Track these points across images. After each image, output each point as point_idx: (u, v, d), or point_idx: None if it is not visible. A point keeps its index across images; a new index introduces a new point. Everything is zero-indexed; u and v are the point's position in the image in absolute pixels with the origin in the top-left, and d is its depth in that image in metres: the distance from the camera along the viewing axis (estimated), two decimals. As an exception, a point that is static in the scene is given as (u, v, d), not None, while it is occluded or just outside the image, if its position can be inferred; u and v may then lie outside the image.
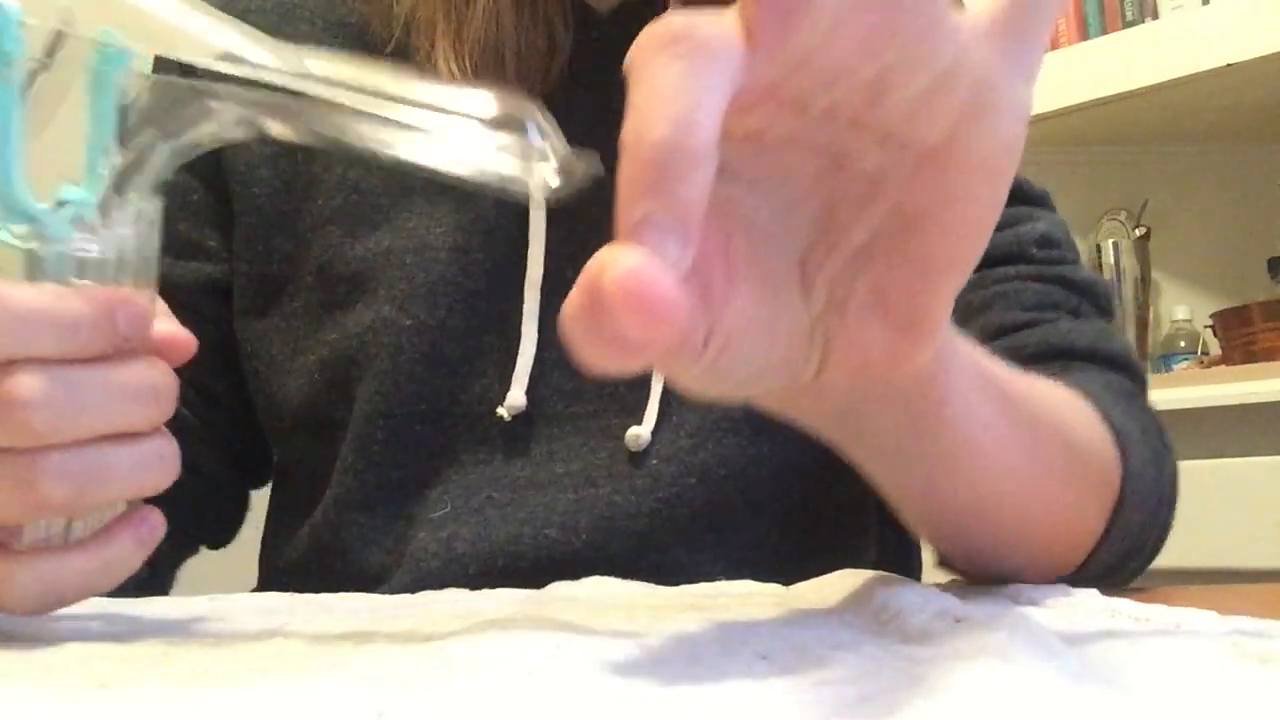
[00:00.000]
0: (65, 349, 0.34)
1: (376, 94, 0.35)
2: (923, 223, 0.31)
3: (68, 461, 0.34)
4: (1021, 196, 0.65)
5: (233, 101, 0.37)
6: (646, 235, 0.25)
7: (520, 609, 0.40)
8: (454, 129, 0.35)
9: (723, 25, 0.27)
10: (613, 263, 0.24)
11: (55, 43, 0.36)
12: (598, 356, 0.26)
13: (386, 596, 0.48)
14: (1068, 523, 0.48)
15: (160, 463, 0.37)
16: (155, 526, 0.38)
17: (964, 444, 0.40)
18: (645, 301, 0.24)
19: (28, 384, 0.33)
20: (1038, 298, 0.61)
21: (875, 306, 0.32)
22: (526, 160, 0.35)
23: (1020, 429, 0.43)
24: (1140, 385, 0.61)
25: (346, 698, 0.24)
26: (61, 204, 0.36)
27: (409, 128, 0.35)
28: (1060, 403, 0.49)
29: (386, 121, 0.35)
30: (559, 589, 0.48)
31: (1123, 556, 0.52)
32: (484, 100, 0.35)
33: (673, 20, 0.27)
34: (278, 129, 0.37)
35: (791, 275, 0.33)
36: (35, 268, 0.35)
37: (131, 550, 0.37)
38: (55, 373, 0.34)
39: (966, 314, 0.61)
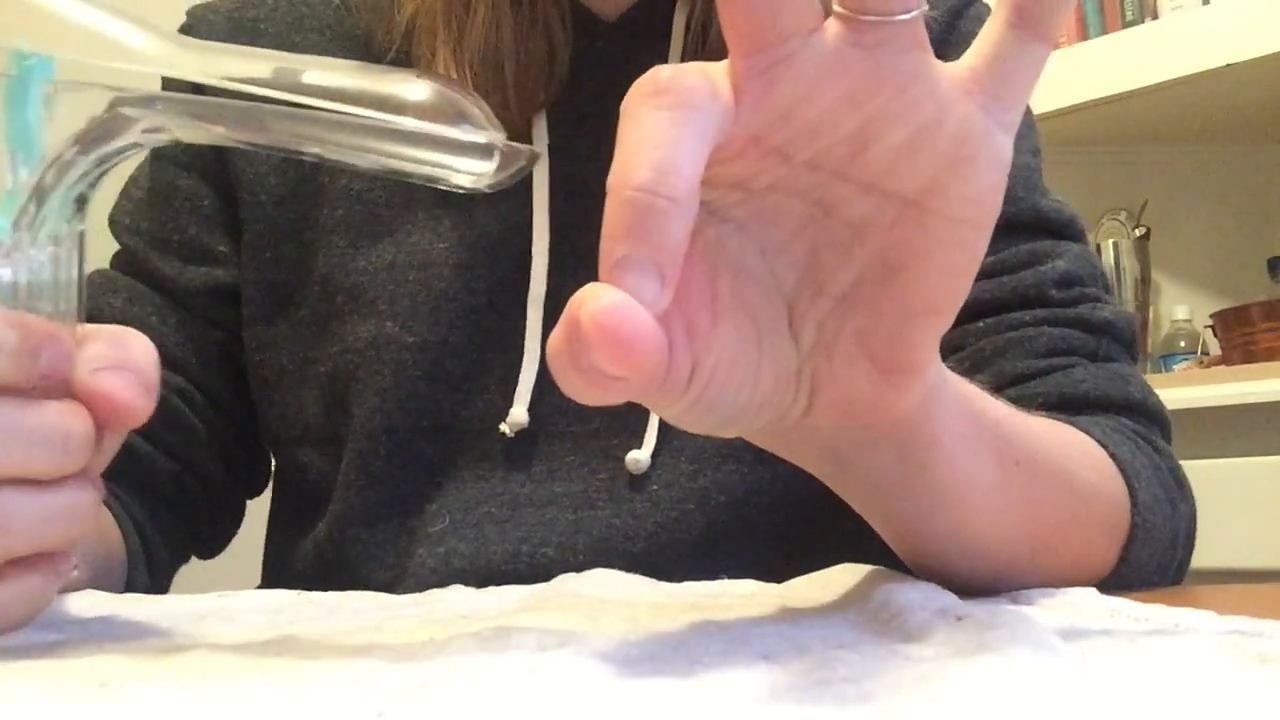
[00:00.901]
0: None
1: (305, 90, 0.33)
2: (905, 270, 0.32)
3: None
4: (1046, 227, 0.64)
5: (150, 109, 0.34)
6: (625, 276, 0.27)
7: (523, 607, 0.40)
8: (386, 119, 0.33)
9: (708, 77, 0.29)
10: (590, 299, 0.26)
11: None
12: (578, 389, 0.28)
13: (391, 596, 0.48)
14: (1070, 562, 0.47)
15: (69, 516, 0.32)
16: (68, 559, 0.34)
17: (954, 484, 0.40)
18: (618, 337, 0.26)
19: None
20: (1053, 343, 0.60)
21: (860, 350, 0.33)
22: (459, 152, 0.33)
23: (1016, 470, 0.43)
24: (1160, 427, 0.60)
25: (347, 698, 0.24)
26: None
27: (338, 123, 0.33)
28: (1064, 443, 0.48)
29: (314, 119, 0.33)
30: (564, 583, 0.48)
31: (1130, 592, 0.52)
32: (417, 88, 0.34)
33: (660, 72, 0.28)
34: (195, 134, 0.34)
35: (779, 317, 0.33)
36: None
37: (45, 585, 0.33)
38: None
39: (980, 361, 0.60)
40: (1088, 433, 0.52)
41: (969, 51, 0.31)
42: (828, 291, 0.33)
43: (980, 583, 0.44)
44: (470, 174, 0.33)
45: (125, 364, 0.33)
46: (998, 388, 0.59)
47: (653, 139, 0.27)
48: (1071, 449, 0.49)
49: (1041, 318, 0.61)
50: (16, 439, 0.31)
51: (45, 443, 0.31)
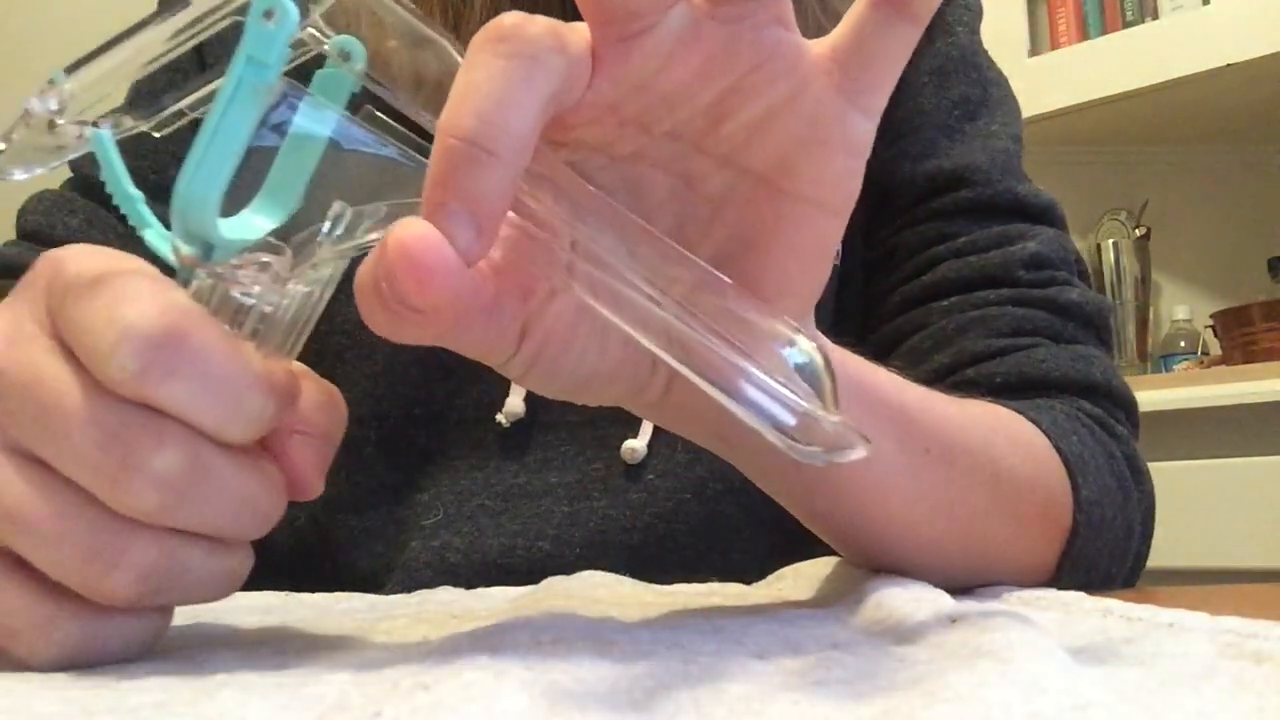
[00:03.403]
0: (222, 428, 0.29)
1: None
2: (757, 248, 0.32)
3: (157, 561, 0.28)
4: (1021, 211, 0.63)
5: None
6: (441, 222, 0.27)
7: (514, 608, 0.40)
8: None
9: (554, 30, 0.28)
10: (401, 228, 0.26)
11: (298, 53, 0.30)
12: (379, 318, 0.27)
13: (383, 596, 0.48)
14: (1001, 555, 0.47)
15: (224, 582, 0.31)
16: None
17: (840, 470, 0.39)
18: (420, 266, 0.26)
19: (169, 461, 0.28)
20: (1016, 323, 0.59)
21: None
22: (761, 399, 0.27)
23: (927, 457, 0.42)
24: (1124, 410, 0.59)
25: (345, 697, 0.24)
26: (258, 245, 0.30)
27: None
28: (990, 431, 0.47)
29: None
30: (553, 585, 0.48)
31: (1086, 586, 0.51)
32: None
33: (505, 18, 0.27)
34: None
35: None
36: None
37: (166, 624, 0.31)
38: (196, 451, 0.28)
39: (942, 339, 0.60)
40: (1036, 422, 0.51)
41: (836, 29, 0.31)
42: (683, 279, 0.32)
43: (910, 571, 0.43)
44: (762, 426, 0.28)
45: (321, 433, 0.32)
46: (958, 366, 0.58)
47: (483, 87, 0.27)
48: (1000, 439, 0.47)
49: (1007, 297, 0.60)
50: (227, 502, 0.29)
51: (252, 511, 0.30)
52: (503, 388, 0.61)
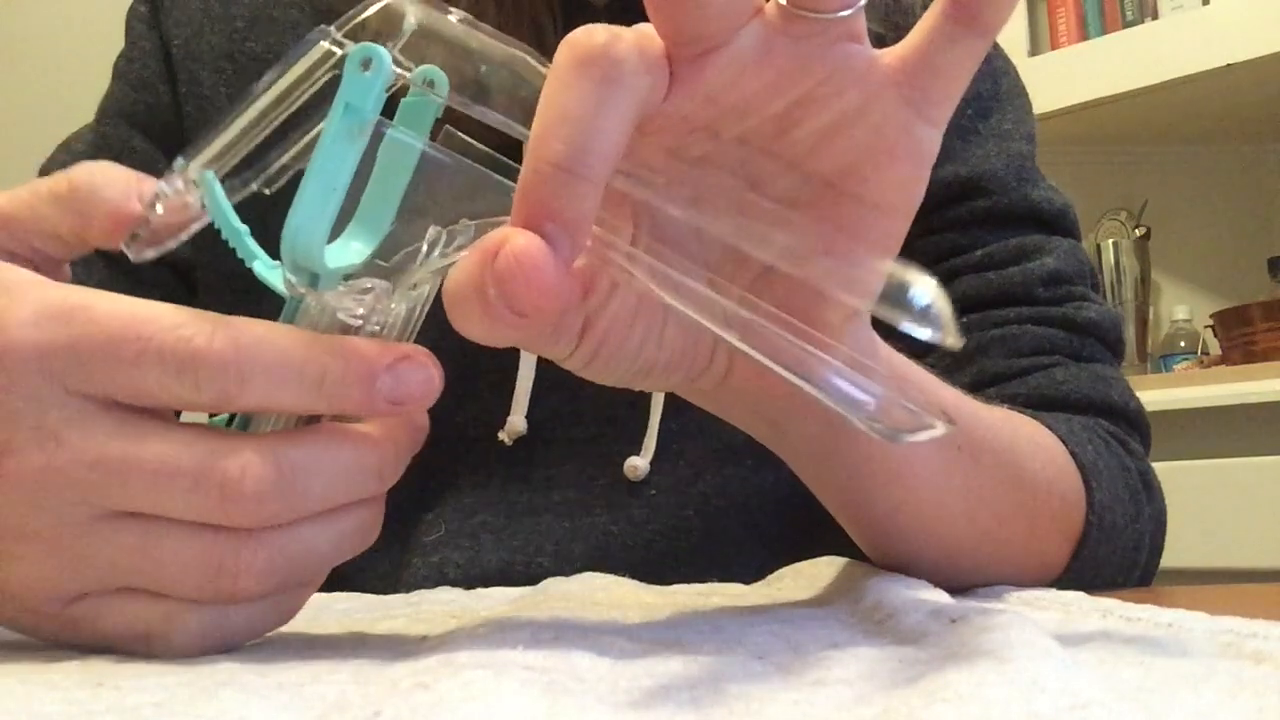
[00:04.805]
0: (307, 405, 0.30)
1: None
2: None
3: (274, 556, 0.30)
4: (1037, 219, 0.63)
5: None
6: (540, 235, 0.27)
7: (514, 608, 0.40)
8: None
9: (641, 49, 0.29)
10: (514, 236, 0.27)
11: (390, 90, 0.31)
12: (478, 324, 0.28)
13: (379, 597, 0.48)
14: (1018, 554, 0.47)
15: (358, 534, 0.33)
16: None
17: (887, 460, 0.40)
18: (532, 274, 0.27)
19: (253, 471, 0.29)
20: (1036, 342, 0.59)
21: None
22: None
23: (958, 455, 0.42)
24: (1139, 432, 0.60)
25: (345, 697, 0.24)
26: (362, 269, 0.32)
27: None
28: (1014, 434, 0.48)
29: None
30: (553, 586, 0.48)
31: (1088, 590, 0.51)
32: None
33: (594, 36, 0.28)
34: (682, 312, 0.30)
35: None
36: (290, 319, 0.32)
37: (303, 599, 0.33)
38: (279, 452, 0.30)
39: (961, 358, 0.60)
40: (1052, 429, 0.52)
41: (905, 39, 0.31)
42: (749, 265, 0.34)
43: (927, 569, 0.43)
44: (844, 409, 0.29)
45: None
46: (978, 385, 0.58)
47: (573, 112, 0.27)
48: (1022, 442, 0.48)
49: (1026, 316, 0.60)
50: (343, 477, 0.31)
51: (365, 474, 0.31)
52: (503, 405, 0.60)
